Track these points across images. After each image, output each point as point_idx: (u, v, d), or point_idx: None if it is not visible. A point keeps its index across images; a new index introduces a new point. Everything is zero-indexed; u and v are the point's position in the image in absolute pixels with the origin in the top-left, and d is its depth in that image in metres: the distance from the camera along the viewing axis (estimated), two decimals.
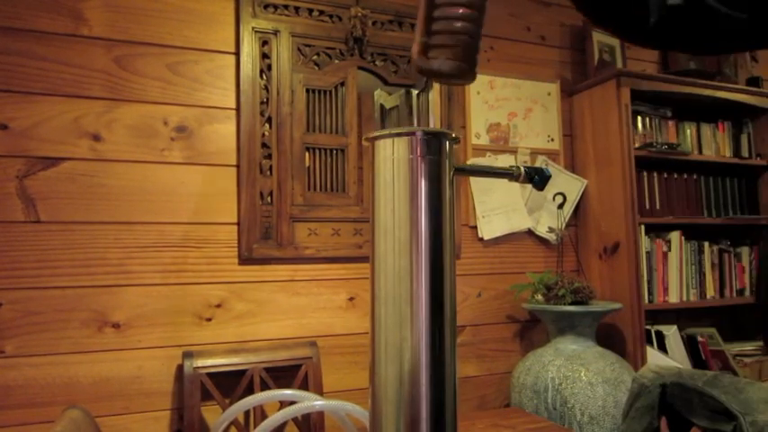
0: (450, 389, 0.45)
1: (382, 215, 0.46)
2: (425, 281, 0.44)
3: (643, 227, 2.09)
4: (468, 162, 2.05)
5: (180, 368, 1.69)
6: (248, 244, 1.78)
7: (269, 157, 1.83)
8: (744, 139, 2.42)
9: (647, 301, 2.08)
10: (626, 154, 2.07)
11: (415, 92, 0.56)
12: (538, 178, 0.58)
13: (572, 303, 1.89)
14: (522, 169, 0.57)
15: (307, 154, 1.88)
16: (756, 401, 0.95)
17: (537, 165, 2.05)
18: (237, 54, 1.81)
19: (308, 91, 1.89)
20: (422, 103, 0.55)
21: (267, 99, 1.84)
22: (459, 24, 0.47)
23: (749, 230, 2.41)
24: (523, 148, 2.21)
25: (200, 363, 1.65)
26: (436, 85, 2.08)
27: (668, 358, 2.10)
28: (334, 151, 1.92)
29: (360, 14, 1.92)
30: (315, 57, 1.91)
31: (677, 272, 2.17)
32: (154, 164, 1.72)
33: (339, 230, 1.90)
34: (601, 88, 2.18)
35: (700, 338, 2.21)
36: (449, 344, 0.45)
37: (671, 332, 2.16)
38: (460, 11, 0.47)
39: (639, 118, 2.25)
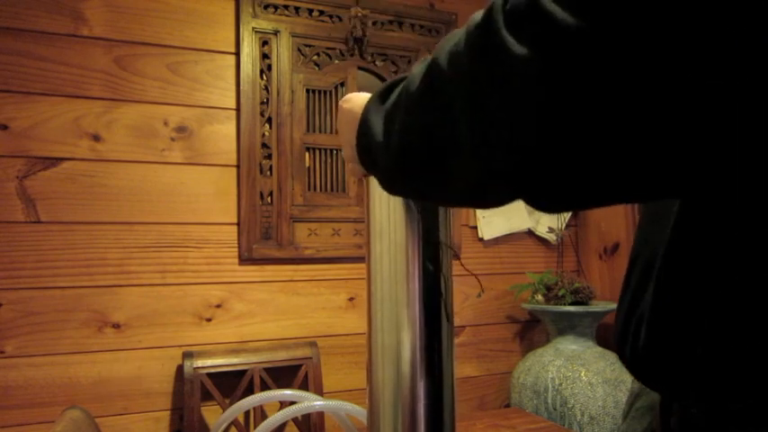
0: (448, 389, 0.45)
1: (377, 216, 0.46)
2: (422, 282, 0.44)
3: None
4: None
5: (180, 368, 1.69)
6: (248, 244, 1.78)
7: (269, 157, 1.83)
8: None
9: None
10: None
11: None
12: None
13: (572, 303, 1.89)
14: None
15: (307, 154, 1.88)
16: None
17: None
18: (238, 54, 1.81)
19: (308, 91, 1.89)
20: None
21: (267, 99, 1.84)
22: None
23: None
24: None
25: (200, 363, 1.65)
26: None
27: None
28: (334, 151, 1.92)
29: (360, 14, 1.92)
30: (315, 57, 1.91)
31: None
32: (154, 164, 1.72)
33: (339, 230, 1.90)
34: None
35: None
36: (446, 345, 0.45)
37: None
38: None
39: None
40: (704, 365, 0.41)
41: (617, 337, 0.52)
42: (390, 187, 0.48)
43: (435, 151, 0.41)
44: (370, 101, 0.50)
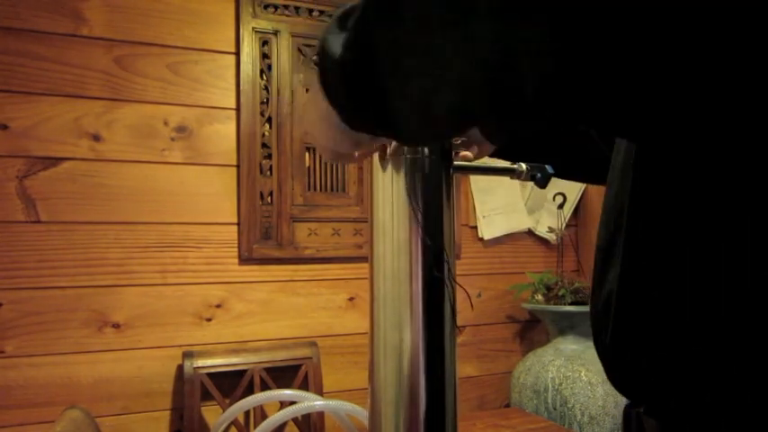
0: (450, 390, 0.45)
1: (380, 215, 0.46)
2: (425, 282, 0.44)
3: None
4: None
5: (180, 368, 1.69)
6: (248, 244, 1.78)
7: (269, 157, 1.83)
8: None
9: None
10: None
11: None
12: (540, 176, 0.58)
13: (572, 303, 1.89)
14: (524, 167, 0.57)
15: (307, 154, 1.88)
16: None
17: None
18: (238, 54, 1.81)
19: (308, 91, 1.89)
20: None
21: (267, 99, 1.84)
22: None
23: None
24: None
25: (200, 363, 1.65)
26: None
27: None
28: None
29: None
30: (315, 57, 1.91)
31: None
32: (154, 164, 1.72)
33: (339, 230, 1.90)
34: None
35: None
36: (448, 345, 0.45)
37: None
38: None
39: None
40: (662, 370, 0.40)
41: (593, 331, 0.50)
42: (351, 108, 0.40)
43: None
44: (327, 31, 0.42)
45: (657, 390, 0.41)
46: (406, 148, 0.47)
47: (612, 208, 0.48)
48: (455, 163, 0.50)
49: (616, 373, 0.46)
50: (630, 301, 0.42)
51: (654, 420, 0.43)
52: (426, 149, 0.47)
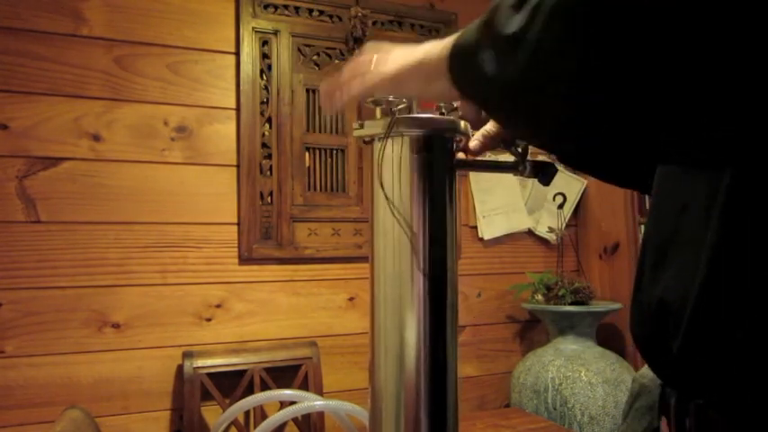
0: (451, 391, 0.45)
1: (381, 215, 0.46)
2: (426, 282, 0.44)
3: (643, 227, 2.09)
4: None
5: (180, 368, 1.69)
6: (248, 244, 1.78)
7: (269, 157, 1.83)
8: None
9: None
10: None
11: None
12: (543, 174, 0.58)
13: (572, 303, 1.89)
14: (528, 164, 0.57)
15: (307, 154, 1.88)
16: None
17: None
18: (238, 54, 1.81)
19: (308, 91, 1.89)
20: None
21: (267, 99, 1.84)
22: None
23: None
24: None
25: (200, 363, 1.65)
26: None
27: None
28: (334, 151, 1.92)
29: (360, 14, 1.92)
30: (315, 57, 1.91)
31: None
32: (154, 164, 1.72)
33: (339, 230, 1.90)
34: None
35: None
36: (450, 345, 0.45)
37: None
38: None
39: None
40: (740, 360, 0.40)
41: (639, 326, 0.50)
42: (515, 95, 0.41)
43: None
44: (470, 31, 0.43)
45: (735, 385, 0.41)
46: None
47: (671, 206, 0.48)
48: (458, 158, 0.49)
49: (680, 369, 0.45)
50: (716, 299, 0.42)
51: (720, 414, 0.43)
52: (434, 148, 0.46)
